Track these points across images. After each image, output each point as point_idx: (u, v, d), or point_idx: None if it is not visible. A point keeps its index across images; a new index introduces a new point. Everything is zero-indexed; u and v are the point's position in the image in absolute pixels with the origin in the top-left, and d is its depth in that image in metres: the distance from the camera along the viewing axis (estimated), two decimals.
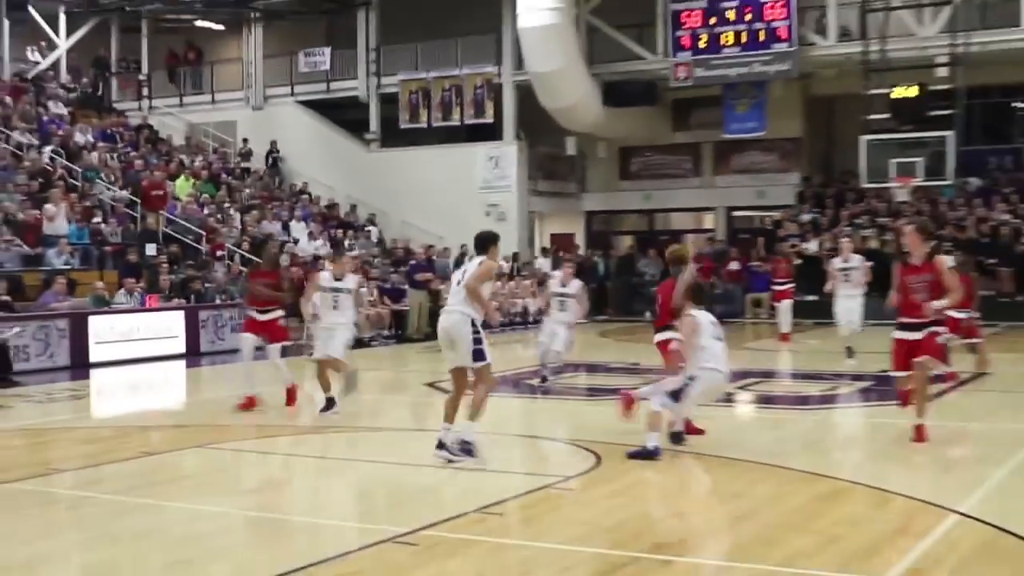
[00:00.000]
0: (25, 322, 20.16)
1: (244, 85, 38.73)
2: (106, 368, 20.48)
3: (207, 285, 24.83)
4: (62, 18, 38.88)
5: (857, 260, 19.59)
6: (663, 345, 12.03)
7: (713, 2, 31.32)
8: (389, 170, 35.51)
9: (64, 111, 34.10)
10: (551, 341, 16.94)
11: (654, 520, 8.71)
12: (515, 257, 32.80)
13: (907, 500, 8.92)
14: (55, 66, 39.20)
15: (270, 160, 36.59)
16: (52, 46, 39.35)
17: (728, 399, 12.67)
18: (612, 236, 38.79)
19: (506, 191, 34.48)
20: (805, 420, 14.03)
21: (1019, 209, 30.56)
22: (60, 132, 31.57)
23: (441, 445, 10.50)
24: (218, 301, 24.41)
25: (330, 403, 13.91)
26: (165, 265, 24.61)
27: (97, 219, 26.56)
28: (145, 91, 39.86)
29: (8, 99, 32.55)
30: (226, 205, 31.07)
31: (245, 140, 37.30)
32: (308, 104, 37.72)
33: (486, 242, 10.92)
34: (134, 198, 28.58)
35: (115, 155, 31.94)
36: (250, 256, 27.31)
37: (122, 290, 22.76)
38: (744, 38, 31.12)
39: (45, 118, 32.46)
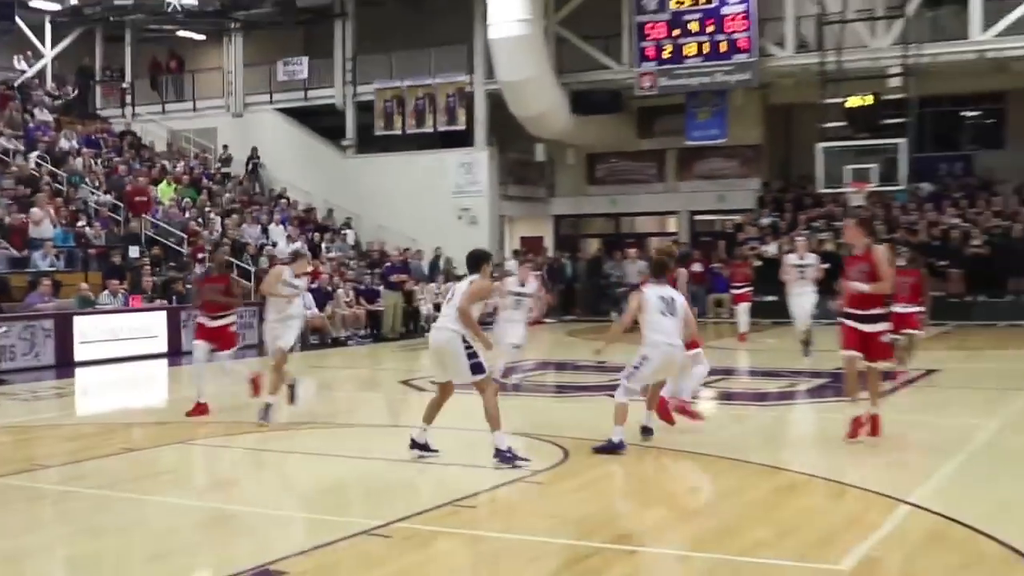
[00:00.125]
0: (11, 322, 20.09)
1: (224, 93, 38.56)
2: (90, 367, 20.37)
3: (188, 286, 24.73)
4: (47, 28, 38.74)
5: (812, 259, 19.46)
6: None
7: (676, 14, 31.37)
8: (365, 175, 35.46)
9: (50, 118, 33.96)
10: (502, 338, 15.85)
11: (619, 512, 8.73)
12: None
13: (861, 492, 8.97)
14: (41, 74, 39.07)
15: (250, 166, 36.47)
16: (38, 55, 39.19)
17: (692, 396, 12.67)
18: (580, 239, 38.82)
19: (478, 196, 34.47)
20: (764, 416, 14.07)
21: (968, 213, 30.78)
22: (46, 138, 31.44)
23: (414, 444, 10.42)
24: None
25: (267, 409, 12.96)
26: (148, 267, 24.50)
27: (82, 223, 26.42)
28: (128, 99, 39.61)
29: None
30: (207, 209, 30.93)
31: (225, 146, 37.20)
32: (286, 111, 37.58)
33: (478, 260, 10.52)
34: (118, 202, 28.51)
35: (99, 161, 31.84)
36: (229, 259, 27.25)
37: (106, 291, 22.65)
38: (706, 49, 31.18)
39: (31, 125, 32.32)
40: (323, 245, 31.77)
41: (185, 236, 27.92)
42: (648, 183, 36.96)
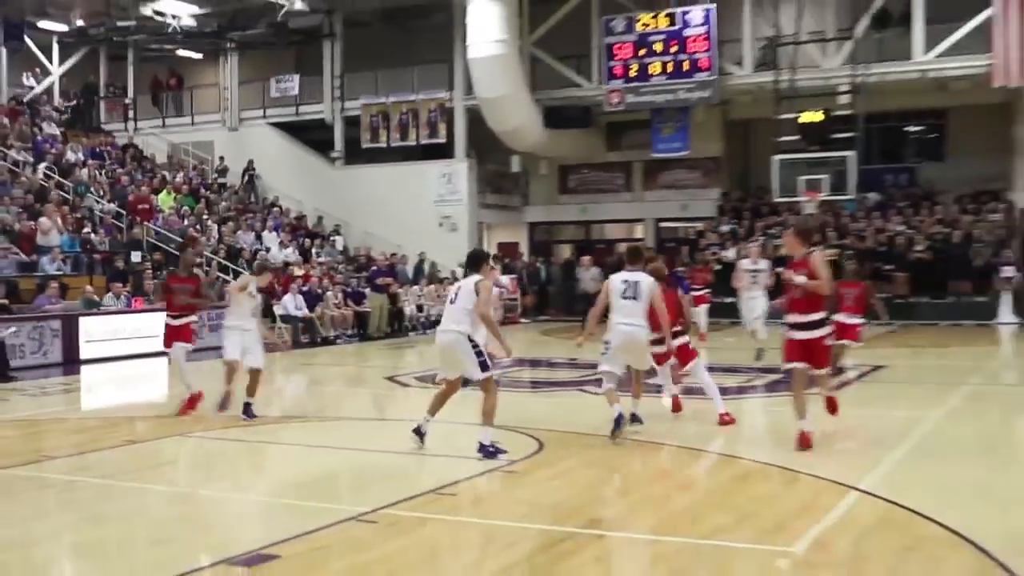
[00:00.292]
0: (21, 323, 20.02)
1: (221, 108, 38.43)
2: (95, 364, 20.26)
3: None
4: (55, 47, 38.59)
5: (765, 264, 19.06)
6: (679, 349, 11.78)
7: (643, 36, 31.42)
8: (352, 185, 35.39)
9: (57, 131, 33.82)
10: None
11: (590, 499, 8.72)
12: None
13: (813, 479, 8.99)
14: (49, 90, 38.93)
15: (247, 177, 36.37)
16: (46, 72, 39.05)
17: (658, 390, 12.70)
18: (553, 245, 38.85)
19: (458, 204, 34.45)
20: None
21: (912, 221, 30.96)
22: (53, 150, 31.32)
23: (418, 431, 10.30)
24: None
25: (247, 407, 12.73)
26: (149, 271, 24.43)
27: (87, 229, 26.32)
28: (131, 113, 39.45)
29: (6, 120, 32.25)
30: (204, 217, 30.82)
31: (222, 158, 37.06)
32: (279, 126, 37.49)
33: (478, 260, 10.36)
34: (121, 210, 28.39)
35: (103, 171, 31.71)
36: (225, 263, 27.18)
37: (110, 293, 22.61)
38: (670, 68, 31.23)
39: (39, 138, 32.17)
40: (313, 250, 31.75)
41: (184, 242, 27.76)
42: (616, 192, 37.00)
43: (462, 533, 7.68)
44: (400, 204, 34.23)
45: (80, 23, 34.67)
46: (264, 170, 36.70)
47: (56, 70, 39.06)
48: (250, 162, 36.43)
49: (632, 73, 31.63)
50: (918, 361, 20.37)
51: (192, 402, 13.27)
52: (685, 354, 11.91)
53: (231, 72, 38.37)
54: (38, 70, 38.89)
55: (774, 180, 29.54)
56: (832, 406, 10.92)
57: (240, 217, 32.09)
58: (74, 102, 38.54)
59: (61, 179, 29.09)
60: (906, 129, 35.08)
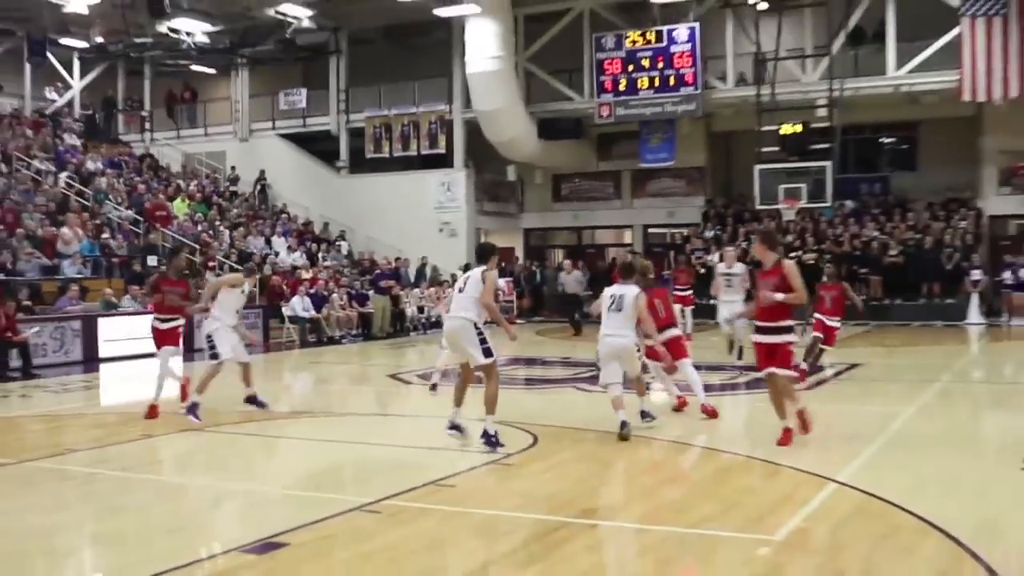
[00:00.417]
0: (43, 323, 20.05)
1: (232, 120, 38.42)
2: (113, 363, 20.22)
3: (200, 291, 24.54)
4: (76, 62, 38.51)
5: (739, 268, 17.98)
6: (668, 343, 11.73)
7: (631, 52, 31.45)
8: (356, 193, 35.38)
9: (77, 142, 33.79)
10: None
11: (582, 491, 8.71)
12: (467, 267, 32.65)
13: (794, 472, 8.99)
14: (70, 104, 38.85)
15: (259, 187, 36.37)
16: (67, 86, 38.98)
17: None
18: (547, 249, 38.81)
19: (456, 211, 34.45)
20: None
21: (885, 227, 30.99)
22: (74, 160, 31.28)
23: (453, 426, 10.21)
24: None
25: (252, 399, 12.82)
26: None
27: (106, 235, 26.29)
28: (147, 125, 39.45)
29: (29, 132, 32.23)
30: (217, 223, 30.80)
31: (233, 167, 37.02)
32: (287, 137, 37.48)
33: (487, 253, 10.37)
34: (138, 216, 28.36)
35: (121, 180, 31.66)
36: (236, 267, 27.15)
37: (127, 296, 22.58)
38: (657, 82, 31.26)
39: (61, 148, 32.13)
40: (320, 255, 31.73)
41: (198, 247, 27.79)
42: (607, 200, 37.01)
43: (461, 523, 7.66)
44: (402, 211, 34.24)
45: (99, 40, 34.64)
46: (273, 179, 36.71)
47: (77, 84, 39.00)
48: (262, 172, 36.45)
49: (621, 87, 31.65)
50: (892, 360, 20.36)
51: (153, 410, 12.77)
52: (676, 347, 11.92)
53: (242, 86, 38.36)
54: (60, 84, 38.82)
55: (755, 188, 29.51)
56: (804, 423, 10.27)
57: (250, 223, 32.07)
58: (89, 112, 38.61)
59: (82, 187, 29.05)
60: (880, 140, 35.11)
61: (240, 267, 27.11)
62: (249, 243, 29.88)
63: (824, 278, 15.97)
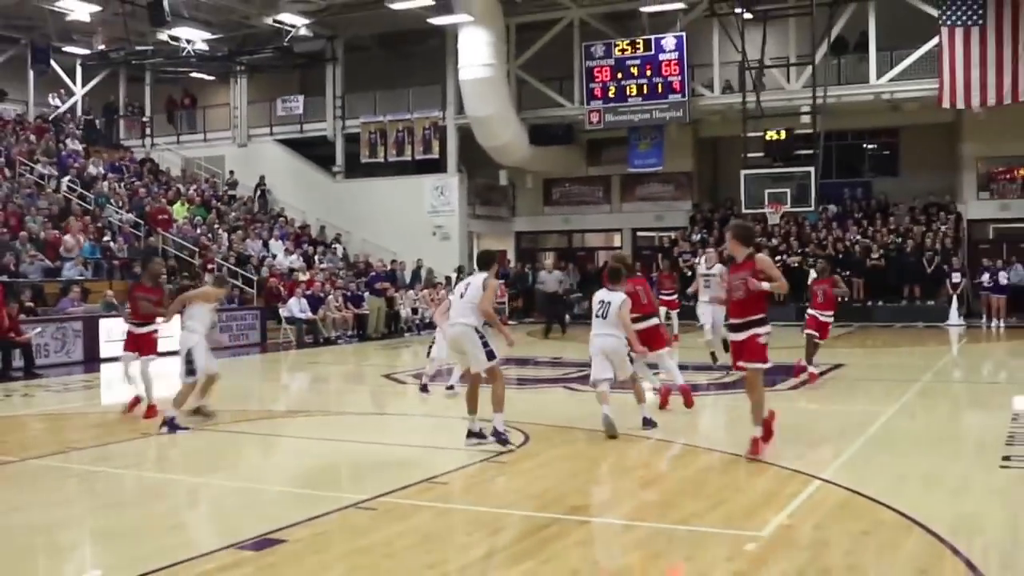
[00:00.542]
0: (46, 324, 19.99)
1: (231, 126, 38.38)
2: (114, 363, 20.08)
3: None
4: (78, 69, 38.43)
5: (719, 269, 17.07)
6: (648, 331, 11.66)
7: (620, 60, 31.47)
8: (352, 197, 35.35)
9: (79, 147, 33.72)
10: (440, 351, 14.06)
11: (573, 488, 8.69)
12: (460, 270, 32.70)
13: (779, 469, 8.98)
14: (72, 109, 38.75)
15: (259, 192, 36.33)
16: (70, 93, 38.89)
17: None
18: (538, 252, 38.73)
19: (449, 215, 34.44)
20: (696, 403, 14.07)
21: (868, 231, 31.05)
22: (76, 165, 31.22)
23: (470, 433, 10.12)
24: None
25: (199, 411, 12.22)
26: (164, 276, 24.24)
27: (107, 237, 26.24)
28: (148, 130, 39.39)
29: (33, 137, 32.16)
30: (215, 226, 30.73)
31: (232, 172, 36.99)
32: (284, 142, 37.44)
33: (489, 260, 10.32)
34: (139, 220, 28.31)
35: (122, 184, 31.60)
36: (235, 269, 27.10)
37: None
38: (645, 90, 31.29)
39: (64, 153, 32.09)
40: (316, 257, 31.68)
41: (197, 249, 27.77)
42: (596, 204, 37.04)
43: (454, 519, 7.65)
44: (396, 215, 34.24)
45: (101, 47, 34.57)
46: (271, 183, 36.66)
47: (79, 91, 38.92)
48: (262, 178, 36.41)
49: (611, 94, 31.67)
50: (874, 360, 20.38)
51: (133, 405, 12.73)
52: (656, 336, 11.88)
53: (240, 92, 38.31)
54: (62, 91, 38.74)
55: (742, 193, 29.56)
56: (767, 431, 9.51)
57: (248, 227, 32.01)
58: (91, 117, 38.56)
59: (83, 191, 29.01)
60: (862, 146, 35.22)
61: (255, 271, 27.18)
62: (247, 246, 29.81)
63: (815, 273, 15.99)
